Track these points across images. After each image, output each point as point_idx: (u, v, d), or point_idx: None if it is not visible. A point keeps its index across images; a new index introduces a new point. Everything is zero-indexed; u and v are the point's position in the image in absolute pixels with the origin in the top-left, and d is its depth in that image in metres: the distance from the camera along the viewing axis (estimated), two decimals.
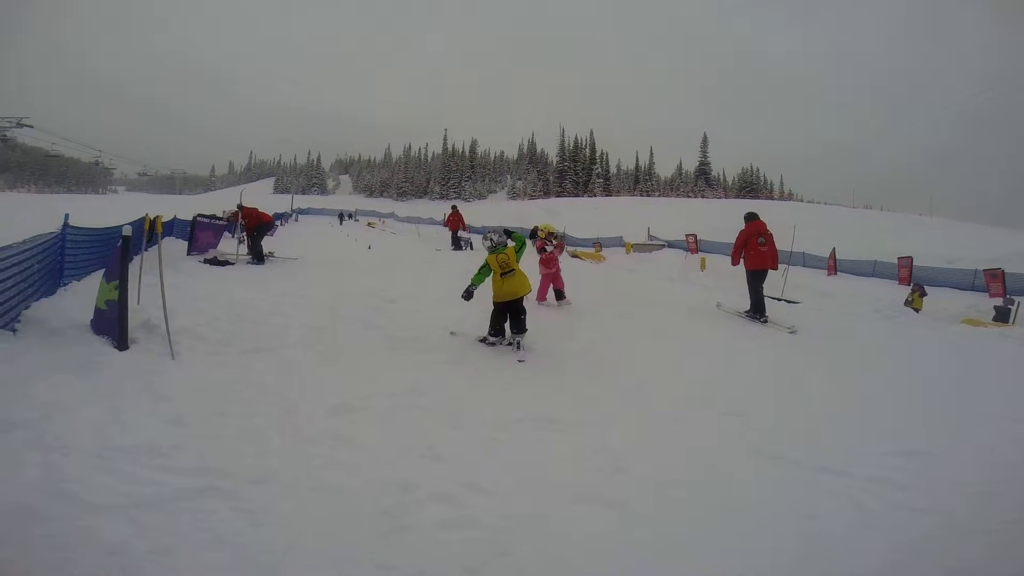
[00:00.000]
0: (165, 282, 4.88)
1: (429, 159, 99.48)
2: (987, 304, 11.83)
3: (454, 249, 17.63)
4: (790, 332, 7.21)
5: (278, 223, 17.65)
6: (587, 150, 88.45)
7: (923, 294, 12.11)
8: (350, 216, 47.95)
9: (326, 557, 2.44)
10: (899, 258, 18.22)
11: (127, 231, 4.68)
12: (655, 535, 2.74)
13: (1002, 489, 3.26)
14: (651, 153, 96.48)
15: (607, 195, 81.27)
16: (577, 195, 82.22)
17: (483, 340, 5.88)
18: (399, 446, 3.50)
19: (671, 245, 28.49)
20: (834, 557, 2.63)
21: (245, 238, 10.78)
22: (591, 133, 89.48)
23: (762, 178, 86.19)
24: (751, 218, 8.04)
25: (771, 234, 7.90)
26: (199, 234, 10.85)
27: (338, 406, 3.98)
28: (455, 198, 77.40)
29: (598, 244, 26.83)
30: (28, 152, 79.23)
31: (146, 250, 8.02)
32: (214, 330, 5.38)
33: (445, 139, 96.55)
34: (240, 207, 10.86)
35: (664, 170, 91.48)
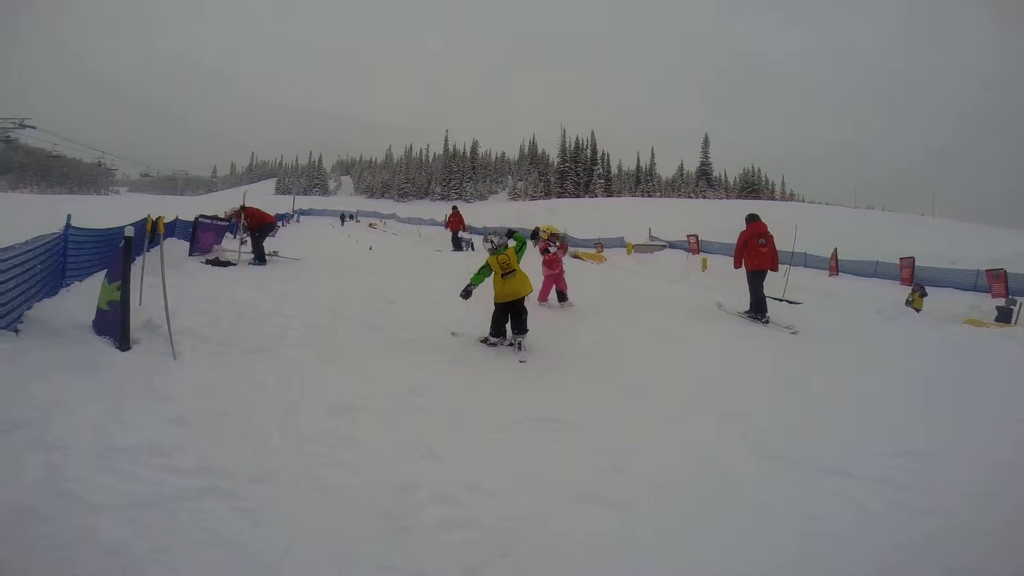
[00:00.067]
0: (167, 283, 4.89)
1: (430, 160, 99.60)
2: (989, 305, 11.80)
3: (454, 250, 17.64)
4: (791, 332, 7.20)
5: (280, 224, 17.66)
6: (588, 151, 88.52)
7: (923, 294, 12.10)
8: (351, 217, 47.99)
9: (326, 557, 2.44)
10: (901, 258, 18.20)
11: (129, 232, 4.69)
12: (656, 535, 2.74)
13: (1002, 489, 3.26)
14: (652, 153, 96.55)
15: (608, 196, 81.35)
16: (578, 196, 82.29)
17: (484, 341, 5.88)
18: (400, 446, 3.50)
19: (672, 246, 28.51)
20: (835, 557, 2.62)
21: (247, 239, 10.80)
22: (592, 134, 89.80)
23: (763, 178, 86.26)
24: (752, 219, 8.06)
25: (771, 235, 7.92)
26: (201, 235, 10.86)
27: (339, 406, 3.98)
28: (456, 199, 77.49)
29: (599, 245, 26.83)
30: (30, 153, 79.56)
31: (148, 251, 8.04)
32: (216, 330, 5.39)
33: (446, 140, 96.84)
34: (243, 207, 10.87)
35: (665, 170, 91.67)
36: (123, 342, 4.54)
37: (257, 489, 2.89)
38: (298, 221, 40.10)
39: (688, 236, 27.04)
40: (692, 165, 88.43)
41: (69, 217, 6.11)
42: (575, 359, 5.59)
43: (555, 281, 8.05)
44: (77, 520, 2.46)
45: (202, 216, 11.10)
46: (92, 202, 46.47)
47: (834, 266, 20.33)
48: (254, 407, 3.85)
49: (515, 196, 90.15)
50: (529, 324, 5.90)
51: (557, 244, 8.25)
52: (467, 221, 19.64)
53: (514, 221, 42.31)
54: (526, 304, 5.96)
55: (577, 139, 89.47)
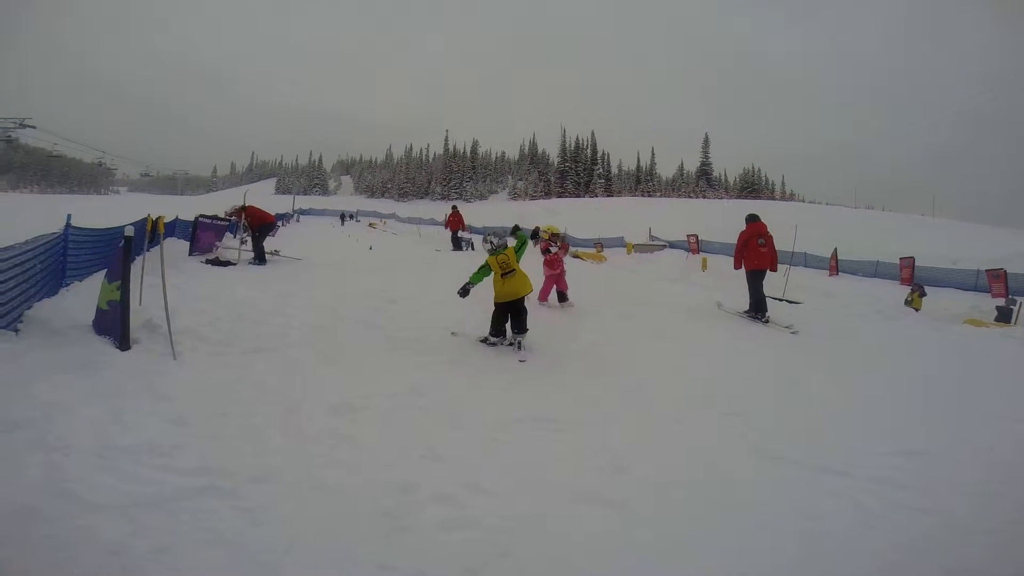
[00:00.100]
0: (167, 282, 4.89)
1: (430, 160, 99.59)
2: (989, 304, 11.80)
3: (454, 250, 17.64)
4: (791, 332, 7.21)
5: (280, 223, 17.66)
6: (588, 150, 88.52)
7: (923, 294, 12.11)
8: (351, 217, 47.99)
9: (326, 557, 2.44)
10: (901, 258, 18.20)
11: (129, 231, 4.69)
12: (656, 535, 2.74)
13: (1002, 489, 3.26)
14: (652, 153, 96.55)
15: (608, 195, 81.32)
16: (578, 195, 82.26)
17: (484, 340, 5.88)
18: (400, 446, 3.50)
19: (672, 245, 28.51)
20: (835, 557, 2.63)
21: (247, 238, 10.80)
22: (592, 134, 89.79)
23: (763, 178, 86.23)
24: (752, 220, 8.11)
25: (771, 236, 7.98)
26: (201, 234, 10.85)
27: (339, 406, 3.98)
28: (456, 198, 77.46)
29: (599, 244, 26.83)
30: (31, 153, 79.58)
31: (148, 250, 8.04)
32: (216, 330, 5.39)
33: (446, 139, 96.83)
34: (244, 207, 10.85)
35: (665, 170, 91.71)
36: (123, 342, 4.54)
37: (257, 489, 2.89)
38: (298, 221, 40.11)
39: (688, 236, 27.04)
40: (692, 165, 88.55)
41: (69, 217, 6.11)
42: (575, 359, 5.59)
43: (556, 281, 8.05)
44: (77, 520, 2.46)
45: (202, 216, 11.09)
46: (92, 202, 46.50)
47: (834, 266, 20.32)
48: (254, 407, 3.85)
49: (515, 196, 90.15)
50: (529, 324, 5.90)
51: (558, 244, 8.25)
52: (467, 221, 19.65)
53: (514, 221, 42.29)
54: (526, 304, 5.96)
55: (577, 139, 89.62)
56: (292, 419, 3.73)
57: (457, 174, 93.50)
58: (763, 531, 2.80)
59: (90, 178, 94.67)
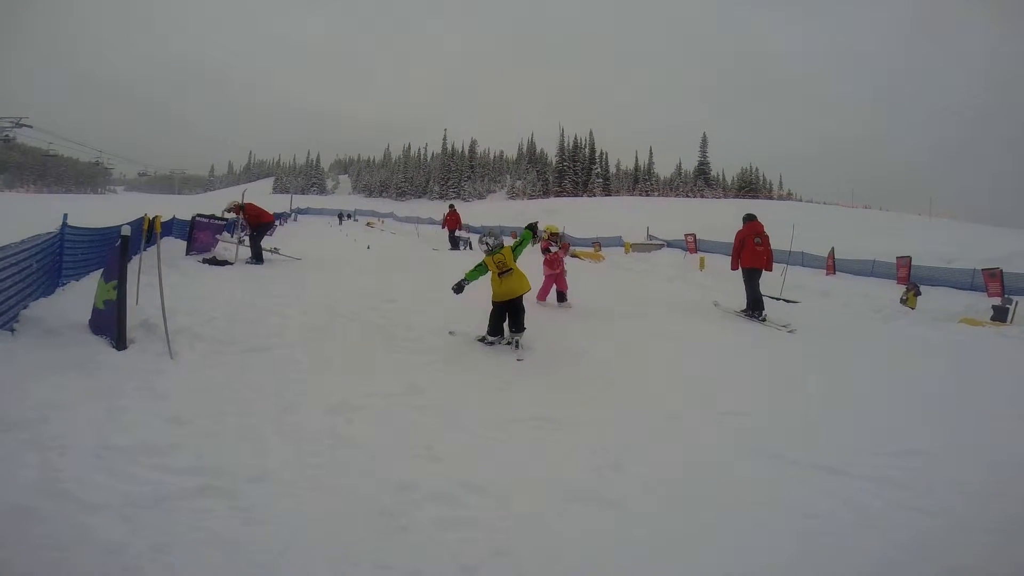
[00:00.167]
0: (164, 282, 4.89)
1: (428, 159, 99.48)
2: (985, 303, 11.84)
3: (452, 249, 17.63)
4: (788, 331, 7.23)
5: (277, 223, 17.63)
6: (586, 150, 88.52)
7: (917, 293, 12.15)
8: (349, 216, 47.96)
9: (323, 556, 2.44)
10: (898, 258, 18.22)
11: (126, 231, 4.68)
12: (652, 534, 2.74)
13: (1001, 488, 3.27)
14: (650, 153, 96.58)
15: (606, 195, 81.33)
16: (576, 195, 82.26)
17: (482, 340, 5.88)
18: (397, 446, 3.50)
19: (670, 245, 28.53)
20: (833, 556, 2.63)
21: (245, 237, 10.78)
22: (590, 133, 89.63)
23: (761, 178, 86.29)
24: (749, 219, 8.21)
25: (767, 236, 8.04)
26: (198, 234, 10.83)
27: (336, 405, 3.98)
28: (454, 198, 77.37)
29: (597, 244, 26.84)
30: (27, 152, 79.34)
31: (145, 250, 8.02)
32: (213, 329, 5.37)
33: (444, 139, 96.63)
34: (243, 205, 10.81)
35: (663, 170, 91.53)
36: (119, 341, 4.54)
37: (254, 488, 2.89)
38: (295, 220, 40.08)
39: (686, 235, 27.05)
40: (690, 165, 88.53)
41: (65, 216, 6.09)
42: (572, 358, 5.60)
43: (555, 281, 8.06)
44: (74, 520, 2.46)
45: (199, 215, 11.06)
46: (87, 202, 46.29)
47: (831, 265, 20.35)
48: (251, 406, 3.85)
49: (513, 195, 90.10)
50: (527, 323, 5.90)
51: (558, 244, 8.25)
52: (465, 220, 19.64)
53: (513, 221, 42.30)
54: (525, 303, 5.97)
55: (576, 138, 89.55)
56: (289, 418, 3.73)
57: (455, 173, 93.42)
58: (760, 530, 2.80)
59: (87, 177, 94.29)
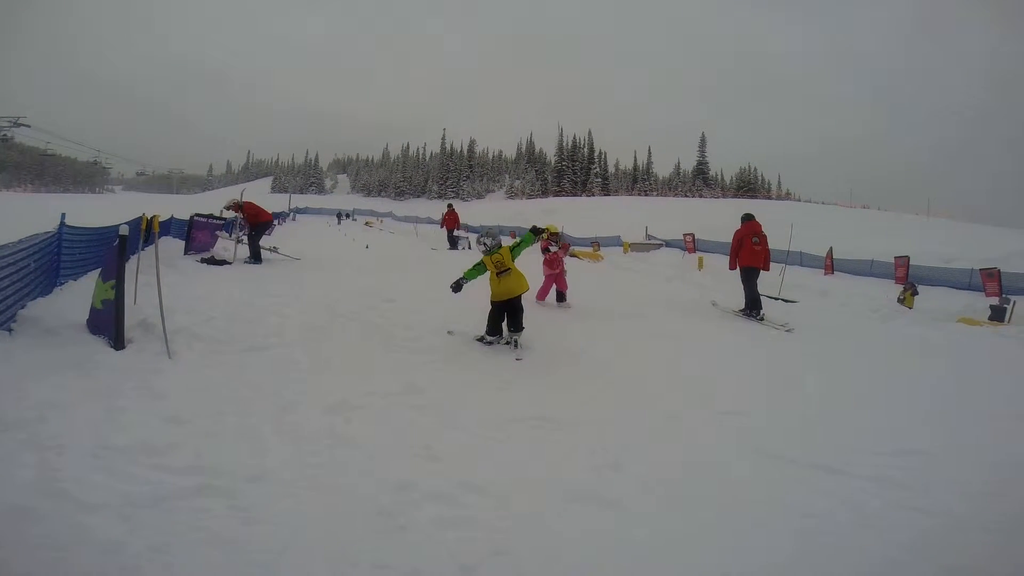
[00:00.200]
0: (162, 281, 4.88)
1: (427, 159, 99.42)
2: (983, 303, 11.85)
3: (450, 248, 17.62)
4: (786, 330, 7.25)
5: (276, 222, 17.60)
6: (585, 149, 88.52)
7: (915, 292, 12.16)
8: (348, 216, 47.92)
9: (322, 556, 2.43)
10: (896, 257, 18.23)
11: (124, 230, 4.68)
12: (651, 534, 2.74)
13: (1000, 488, 3.27)
14: (649, 153, 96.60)
15: (605, 195, 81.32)
16: (575, 195, 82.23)
17: (481, 339, 5.88)
18: (396, 445, 3.50)
19: (669, 244, 28.52)
20: (831, 556, 2.63)
21: (243, 237, 10.76)
22: (589, 132, 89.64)
23: (760, 177, 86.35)
24: (747, 219, 8.28)
25: (765, 235, 8.09)
26: (196, 233, 10.81)
27: (335, 405, 3.97)
28: (453, 197, 77.29)
29: (596, 243, 26.84)
30: (25, 152, 79.21)
31: (143, 249, 8.01)
32: (211, 329, 5.37)
33: (443, 138, 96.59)
34: (242, 203, 10.79)
35: (662, 170, 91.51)
36: (118, 341, 4.53)
37: (253, 488, 2.89)
38: (294, 220, 40.04)
39: (684, 235, 27.05)
40: (689, 164, 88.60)
41: (63, 216, 6.08)
42: (571, 358, 5.60)
43: (555, 280, 8.06)
44: (72, 519, 2.46)
45: (197, 215, 11.05)
46: (84, 201, 46.19)
47: (829, 265, 20.36)
48: (250, 406, 3.84)
49: (512, 195, 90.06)
50: (526, 323, 5.90)
51: (558, 244, 8.24)
52: (464, 220, 19.62)
53: (512, 220, 42.28)
54: (525, 303, 5.97)
55: (574, 138, 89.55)
56: (288, 418, 3.73)
57: (454, 173, 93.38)
58: (760, 530, 2.81)
59: (85, 177, 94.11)
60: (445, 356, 5.38)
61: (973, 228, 34.91)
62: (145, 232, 5.86)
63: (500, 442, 3.67)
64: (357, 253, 14.76)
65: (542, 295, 8.00)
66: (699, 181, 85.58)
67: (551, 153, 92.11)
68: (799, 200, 74.11)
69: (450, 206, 19.43)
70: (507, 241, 6.17)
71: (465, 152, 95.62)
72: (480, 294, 6.08)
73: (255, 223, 10.73)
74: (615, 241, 27.86)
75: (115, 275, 4.53)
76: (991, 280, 13.99)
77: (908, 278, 16.19)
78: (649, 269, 16.23)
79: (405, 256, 14.40)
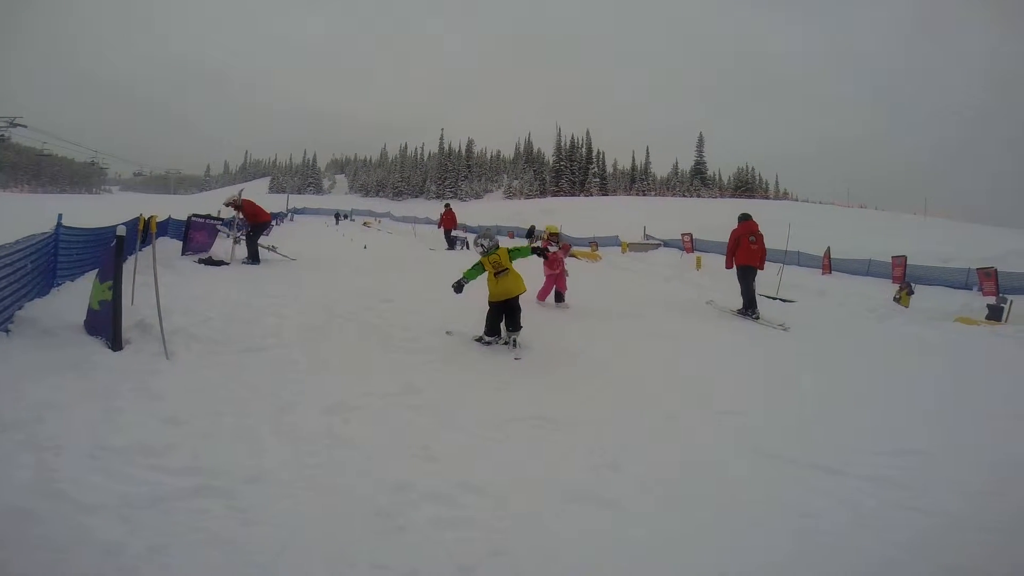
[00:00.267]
0: (159, 282, 4.87)
1: (425, 159, 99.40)
2: (980, 303, 11.88)
3: (448, 248, 17.61)
4: (783, 329, 7.27)
5: (274, 222, 17.59)
6: (583, 149, 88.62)
7: (910, 292, 12.19)
8: (346, 216, 47.89)
9: (321, 556, 2.43)
10: (893, 257, 18.28)
11: (121, 231, 4.67)
12: (650, 533, 2.74)
13: (998, 488, 3.28)
14: (647, 153, 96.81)
15: (603, 194, 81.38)
16: (573, 195, 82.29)
17: (479, 340, 5.88)
18: (394, 446, 3.50)
19: (667, 244, 28.58)
20: (829, 555, 2.63)
21: (241, 237, 10.74)
22: (587, 132, 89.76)
23: (757, 177, 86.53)
24: (744, 218, 8.36)
25: (762, 235, 8.14)
26: (194, 234, 10.79)
27: (333, 406, 3.97)
28: (451, 197, 77.29)
29: (594, 243, 26.86)
30: (21, 152, 79.04)
31: (140, 250, 7.99)
32: (209, 329, 5.36)
33: (441, 138, 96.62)
34: (240, 204, 10.77)
35: (660, 170, 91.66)
36: (115, 342, 4.52)
37: (251, 488, 2.88)
38: (292, 220, 40.02)
39: (683, 235, 27.11)
40: (687, 164, 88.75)
41: (60, 216, 6.06)
42: (569, 358, 5.60)
43: (555, 280, 8.05)
44: (71, 520, 2.45)
45: (195, 215, 11.03)
46: (81, 201, 46.07)
47: (827, 264, 20.41)
48: (248, 406, 3.84)
49: (511, 195, 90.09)
50: (525, 324, 5.90)
51: (558, 244, 8.23)
52: (462, 220, 19.60)
53: (509, 220, 42.29)
54: (524, 303, 5.97)
55: (573, 138, 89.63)
56: (286, 419, 3.72)
57: (452, 173, 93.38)
58: (758, 529, 2.81)
59: (82, 177, 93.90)
60: (443, 356, 5.37)
61: (971, 227, 35.02)
62: (142, 233, 5.85)
63: (498, 442, 3.67)
64: (355, 253, 14.75)
65: (543, 295, 8.00)
66: (697, 181, 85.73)
67: (549, 153, 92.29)
68: (796, 200, 74.28)
69: (447, 206, 19.41)
70: (505, 242, 6.16)
71: (463, 152, 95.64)
72: (478, 294, 6.08)
73: (254, 223, 10.71)
74: (613, 241, 27.92)
75: (112, 276, 4.52)
76: (988, 279, 14.04)
77: (905, 277, 16.23)
78: (647, 269, 16.24)
79: (403, 256, 14.40)
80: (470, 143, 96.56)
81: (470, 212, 51.10)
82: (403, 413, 3.98)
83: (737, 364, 5.71)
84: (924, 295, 12.80)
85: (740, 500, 3.08)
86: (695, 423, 4.15)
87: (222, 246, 11.46)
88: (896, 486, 3.26)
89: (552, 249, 8.07)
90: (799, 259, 20.89)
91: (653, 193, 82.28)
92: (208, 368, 4.49)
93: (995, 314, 10.46)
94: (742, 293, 8.02)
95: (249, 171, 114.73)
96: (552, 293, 8.07)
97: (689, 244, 26.25)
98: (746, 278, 7.98)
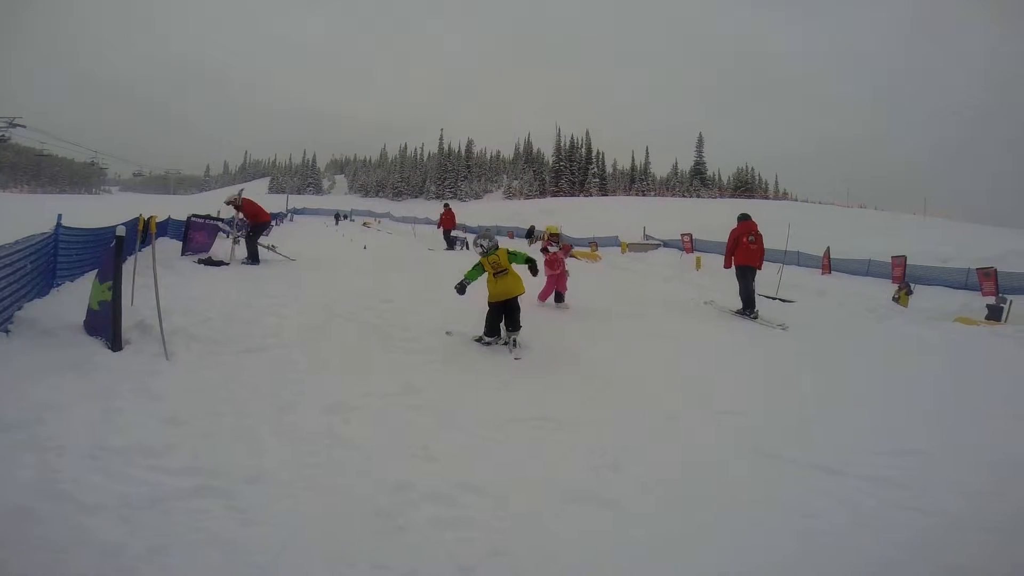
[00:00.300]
0: (159, 282, 4.87)
1: (425, 159, 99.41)
2: (980, 303, 11.90)
3: (447, 248, 17.61)
4: (782, 329, 7.29)
5: (274, 223, 17.58)
6: (583, 150, 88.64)
7: (909, 292, 12.22)
8: (346, 216, 47.90)
9: (320, 556, 2.43)
10: (893, 257, 18.29)
11: (121, 231, 4.67)
12: (650, 534, 2.74)
13: (997, 487, 3.28)
14: (647, 153, 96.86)
15: (603, 195, 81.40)
16: (573, 195, 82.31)
17: (479, 340, 5.88)
18: (394, 446, 3.50)
19: (667, 244, 28.60)
20: (830, 555, 2.64)
21: (240, 238, 10.73)
22: (587, 132, 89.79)
23: (757, 177, 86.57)
24: (743, 218, 8.40)
25: (761, 235, 8.15)
26: (193, 234, 10.79)
27: (333, 406, 3.97)
28: (451, 197, 77.32)
29: (594, 244, 26.87)
30: (20, 152, 79.05)
31: (140, 250, 7.99)
32: (209, 330, 5.35)
33: (441, 139, 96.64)
34: (241, 201, 10.76)
35: (660, 170, 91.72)
36: (115, 342, 4.52)
37: (251, 489, 2.88)
38: (292, 220, 40.02)
39: (682, 235, 27.13)
40: (686, 164, 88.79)
41: (60, 217, 6.06)
42: (569, 358, 5.60)
43: (556, 281, 8.04)
44: (71, 521, 2.45)
45: (195, 215, 11.02)
46: (81, 201, 46.05)
47: (827, 264, 20.43)
48: (247, 407, 3.84)
49: (510, 195, 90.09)
50: (525, 324, 5.90)
51: (559, 244, 8.22)
52: (462, 220, 19.60)
53: (509, 220, 42.29)
54: (524, 303, 5.98)
55: (572, 138, 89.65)
56: (286, 419, 3.72)
57: (452, 173, 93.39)
58: (758, 529, 2.81)
59: (81, 178, 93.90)
60: (443, 356, 5.37)
61: (970, 227, 35.03)
62: (142, 233, 5.84)
63: (498, 442, 3.67)
64: (355, 254, 14.75)
65: (544, 296, 7.99)
66: (696, 181, 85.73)
67: (549, 153, 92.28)
68: (796, 200, 74.31)
69: (447, 206, 19.40)
70: (505, 242, 6.16)
71: (463, 152, 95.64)
72: (478, 295, 6.08)
73: (254, 223, 10.70)
74: (613, 241, 27.93)
75: (112, 276, 4.52)
76: (987, 279, 14.04)
77: (905, 277, 16.24)
78: (647, 269, 16.25)
79: (403, 257, 14.40)
80: (470, 143, 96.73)
81: (470, 212, 51.11)
82: (403, 413, 3.98)
83: (737, 364, 5.71)
84: (924, 295, 12.81)
85: (740, 500, 3.08)
86: (695, 423, 4.15)
87: (222, 246, 11.45)
88: (896, 486, 3.26)
89: (552, 249, 8.07)
90: (799, 259, 20.92)
91: (653, 193, 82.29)
92: (208, 368, 4.49)
93: (995, 314, 10.47)
94: (740, 293, 8.04)
95: (249, 171, 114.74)
96: (552, 293, 8.07)
97: (689, 244, 26.27)
98: (745, 278, 8.00)
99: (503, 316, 5.86)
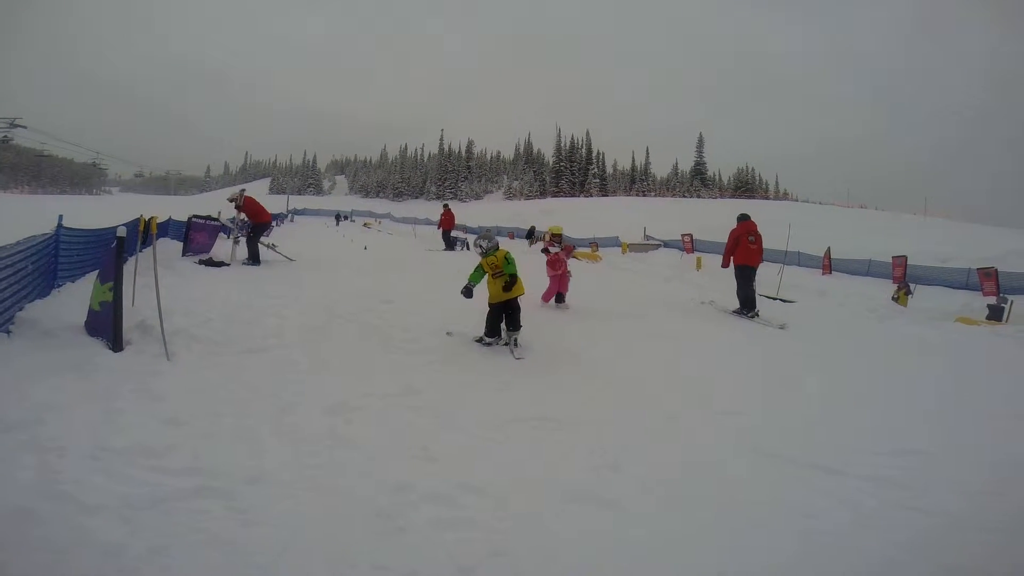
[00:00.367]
0: (160, 283, 4.87)
1: (425, 159, 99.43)
2: (981, 303, 11.91)
3: (447, 249, 17.61)
4: (781, 329, 7.29)
5: (274, 223, 17.58)
6: (583, 150, 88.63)
7: (909, 292, 12.23)
8: (346, 217, 47.91)
9: (321, 557, 2.44)
10: (893, 257, 18.29)
11: (122, 232, 4.67)
12: (650, 534, 2.74)
13: (998, 488, 3.28)
14: (647, 153, 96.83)
15: (603, 195, 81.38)
16: (573, 195, 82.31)
17: (479, 340, 5.89)
18: (394, 446, 3.50)
19: (667, 245, 28.62)
20: (831, 556, 2.64)
21: (240, 238, 10.73)
22: (587, 133, 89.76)
23: (757, 178, 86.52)
24: (743, 219, 8.43)
25: (760, 235, 8.17)
26: (194, 235, 10.79)
27: (333, 406, 3.97)
28: (451, 198, 77.35)
29: (595, 244, 26.87)
30: (21, 153, 79.14)
31: (140, 251, 8.00)
32: (209, 331, 5.36)
33: (441, 139, 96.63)
34: (243, 200, 10.76)
35: (660, 170, 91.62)
36: (116, 343, 4.52)
37: (252, 490, 2.88)
38: (292, 221, 40.02)
39: (683, 235, 27.15)
40: (687, 165, 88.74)
41: (60, 217, 6.06)
42: (570, 358, 5.60)
43: (557, 281, 8.04)
44: (72, 521, 2.46)
45: (195, 216, 11.03)
46: (81, 202, 46.02)
47: (827, 264, 20.43)
48: (248, 407, 3.84)
49: (510, 196, 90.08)
50: (526, 324, 5.91)
51: (560, 245, 8.21)
52: (462, 220, 19.60)
53: (509, 221, 42.30)
54: (525, 304, 5.99)
55: (573, 138, 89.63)
56: (286, 419, 3.72)
57: (452, 174, 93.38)
58: (758, 530, 2.81)
59: (82, 178, 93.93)
60: (443, 357, 5.38)
61: (970, 228, 35.02)
62: (143, 234, 5.85)
63: (498, 443, 3.67)
64: (355, 254, 14.75)
65: (546, 297, 7.99)
66: (697, 181, 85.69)
67: (549, 154, 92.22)
68: (796, 200, 74.28)
69: (446, 207, 19.39)
70: (505, 243, 6.17)
71: (463, 153, 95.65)
72: (478, 296, 6.08)
73: (255, 223, 10.71)
74: (613, 241, 27.95)
75: (113, 277, 4.52)
76: (988, 279, 14.05)
77: (905, 277, 16.24)
78: (647, 269, 16.25)
79: (403, 257, 14.41)
80: (470, 143, 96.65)
81: (470, 213, 51.20)
82: (403, 414, 3.99)
83: (737, 364, 5.71)
84: (924, 295, 12.81)
85: (741, 500, 3.08)
86: (696, 423, 4.15)
87: (222, 247, 11.45)
88: (896, 486, 3.26)
89: (554, 250, 8.07)
90: (799, 259, 20.91)
91: (653, 194, 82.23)
92: (209, 369, 4.50)
93: (995, 314, 10.47)
94: (738, 293, 8.06)
95: (249, 172, 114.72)
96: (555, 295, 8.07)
97: (689, 245, 26.28)
98: (745, 278, 8.01)
99: (503, 316, 5.86)
